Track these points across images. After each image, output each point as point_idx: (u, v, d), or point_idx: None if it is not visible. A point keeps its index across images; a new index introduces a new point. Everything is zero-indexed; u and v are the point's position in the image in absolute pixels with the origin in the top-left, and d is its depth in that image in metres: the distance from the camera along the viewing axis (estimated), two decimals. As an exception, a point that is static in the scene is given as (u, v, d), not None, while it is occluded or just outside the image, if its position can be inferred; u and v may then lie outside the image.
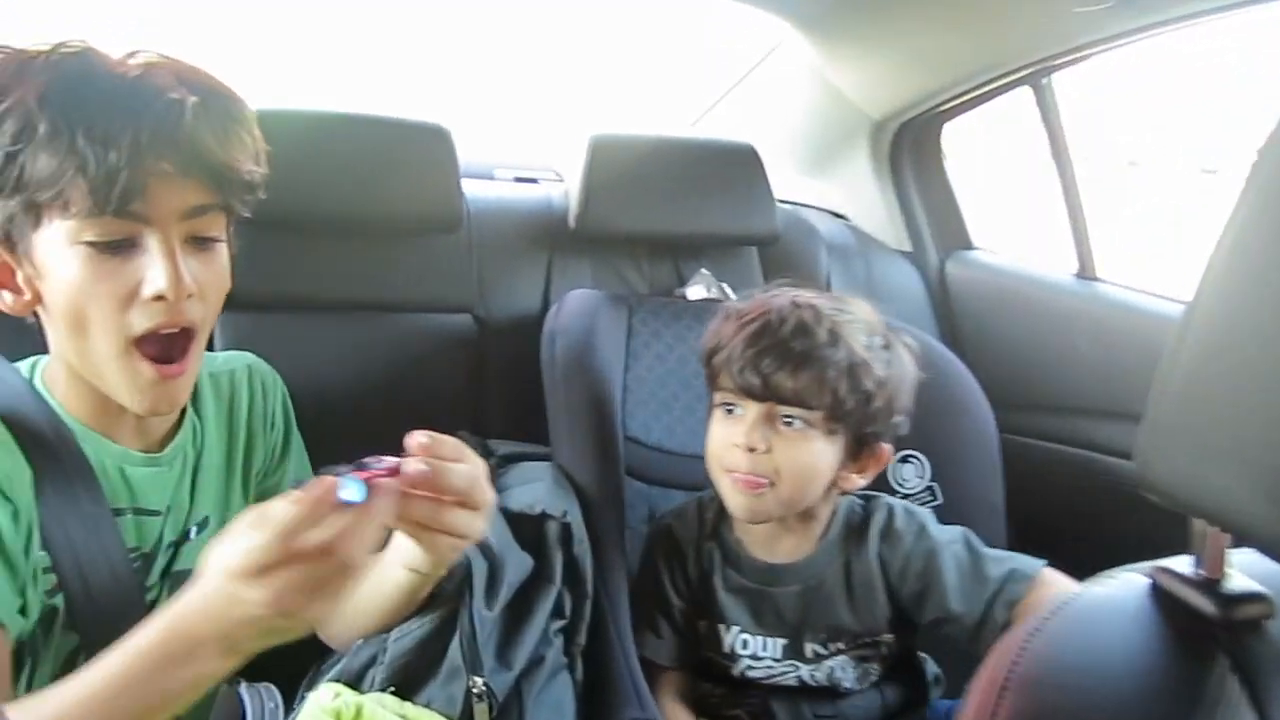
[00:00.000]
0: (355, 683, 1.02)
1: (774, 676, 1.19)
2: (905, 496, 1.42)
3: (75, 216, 0.81)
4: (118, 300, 0.84)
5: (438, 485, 0.77)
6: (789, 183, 1.98)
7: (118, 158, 0.79)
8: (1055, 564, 1.49)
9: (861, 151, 1.89)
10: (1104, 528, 1.48)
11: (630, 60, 2.48)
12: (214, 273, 0.91)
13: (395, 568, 0.93)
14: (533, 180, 1.91)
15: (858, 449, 1.14)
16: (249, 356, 1.15)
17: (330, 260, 1.48)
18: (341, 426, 1.26)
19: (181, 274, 0.85)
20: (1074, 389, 1.56)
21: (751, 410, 1.11)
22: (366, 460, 0.75)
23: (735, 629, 1.19)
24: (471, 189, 1.64)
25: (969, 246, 1.87)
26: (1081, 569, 1.49)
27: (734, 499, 1.14)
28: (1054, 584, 1.11)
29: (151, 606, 0.96)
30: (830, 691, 1.19)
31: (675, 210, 1.64)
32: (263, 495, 1.13)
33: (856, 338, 1.11)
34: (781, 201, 1.74)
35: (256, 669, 0.83)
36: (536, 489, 1.22)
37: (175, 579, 1.01)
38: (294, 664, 1.07)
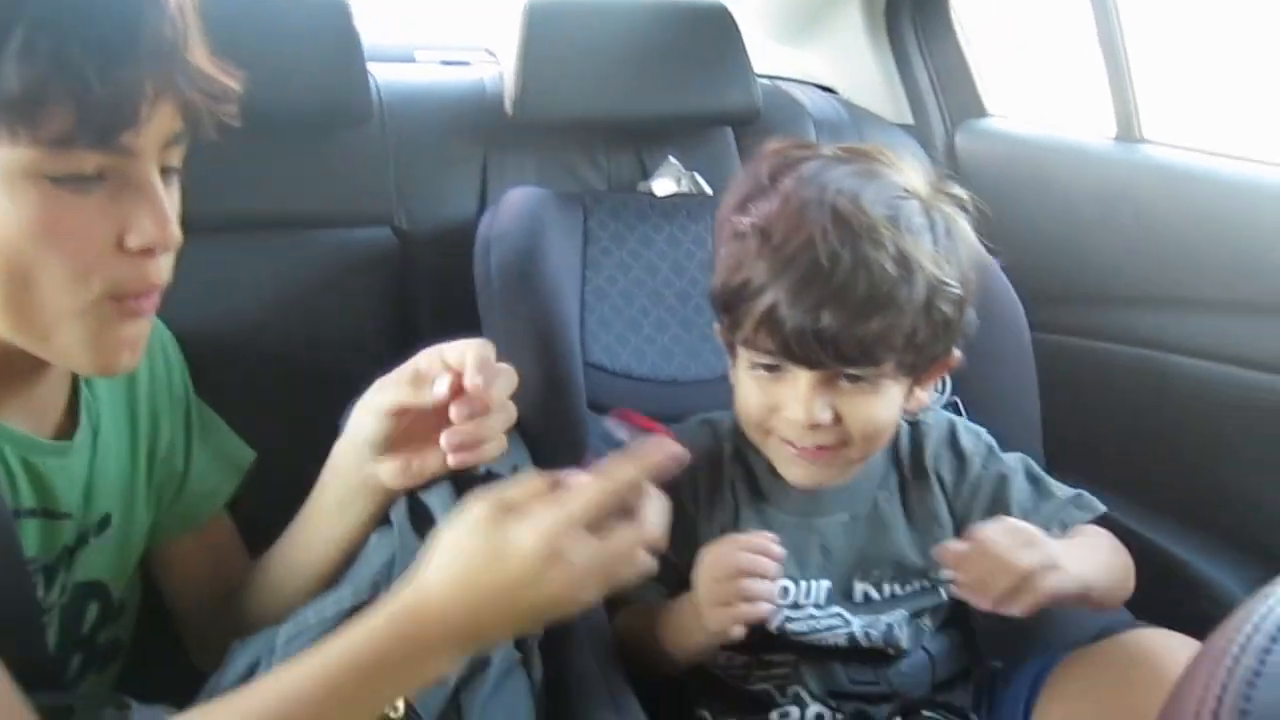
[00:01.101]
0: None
1: (818, 632, 0.96)
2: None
3: (37, 145, 0.63)
4: (90, 250, 0.68)
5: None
6: (765, 55, 1.70)
7: (123, 77, 0.64)
8: (1104, 482, 1.29)
9: (853, 7, 1.61)
10: (1159, 436, 1.26)
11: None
12: (178, 213, 0.74)
13: (348, 485, 0.85)
14: (463, 63, 1.62)
15: (927, 367, 0.92)
16: None
17: (208, 167, 1.20)
18: (239, 374, 1.07)
19: (170, 220, 0.70)
20: (1117, 275, 1.31)
21: (805, 377, 0.87)
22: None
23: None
24: (385, 74, 1.36)
25: (983, 114, 1.60)
26: (1133, 486, 1.31)
27: (791, 469, 0.93)
28: (1087, 532, 0.98)
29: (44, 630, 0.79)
30: (872, 656, 0.98)
31: (634, 87, 1.37)
32: (167, 483, 0.94)
33: (923, 243, 0.84)
34: (758, 76, 1.47)
35: (137, 689, 0.73)
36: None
37: (72, 593, 0.82)
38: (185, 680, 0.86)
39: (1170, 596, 1.18)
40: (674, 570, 0.95)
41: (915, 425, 1.02)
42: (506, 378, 0.80)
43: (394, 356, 1.26)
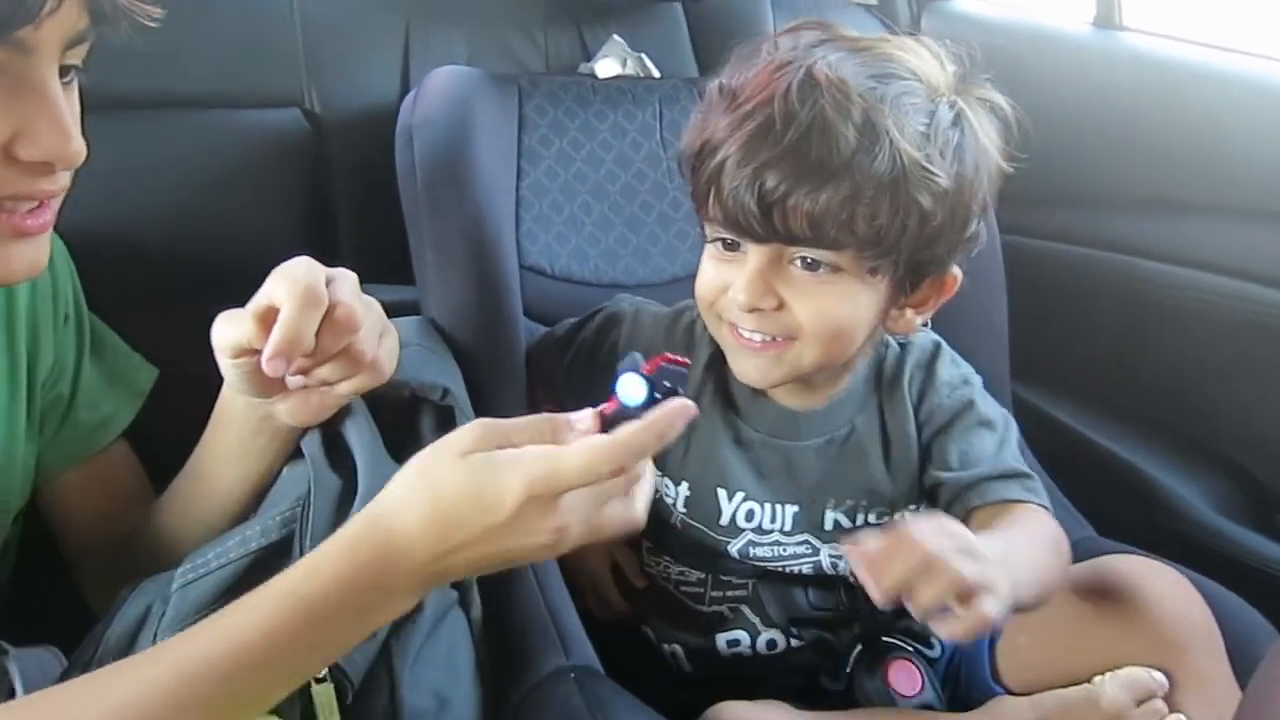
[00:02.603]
0: (125, 655, 0.69)
1: (783, 560, 0.91)
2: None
3: None
4: None
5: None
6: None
7: None
8: (1071, 392, 1.24)
9: None
10: (1130, 346, 1.21)
11: None
12: (77, 118, 0.66)
13: (245, 425, 0.76)
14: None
15: (915, 280, 0.82)
16: None
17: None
18: (132, 280, 0.97)
19: (73, 132, 0.62)
20: (1093, 174, 1.23)
21: (754, 252, 0.79)
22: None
23: (740, 495, 0.90)
24: (289, -71, 1.20)
25: (950, -7, 1.49)
26: (1101, 397, 1.26)
27: (739, 362, 0.85)
28: (1032, 522, 0.83)
29: None
30: (837, 580, 0.93)
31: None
32: (51, 410, 0.84)
33: (908, 123, 0.75)
34: (710, -55, 1.34)
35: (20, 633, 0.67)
36: (403, 358, 0.86)
37: None
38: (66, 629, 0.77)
39: (1135, 512, 1.15)
40: None
41: (903, 346, 0.94)
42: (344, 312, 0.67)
43: (304, 255, 1.15)
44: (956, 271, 0.84)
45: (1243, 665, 0.83)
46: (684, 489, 0.91)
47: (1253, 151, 1.05)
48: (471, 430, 0.61)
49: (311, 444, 0.75)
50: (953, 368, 0.93)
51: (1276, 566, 1.03)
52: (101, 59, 1.02)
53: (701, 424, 0.90)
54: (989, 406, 0.91)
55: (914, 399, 0.90)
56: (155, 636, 0.70)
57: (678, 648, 0.94)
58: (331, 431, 0.76)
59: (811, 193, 0.74)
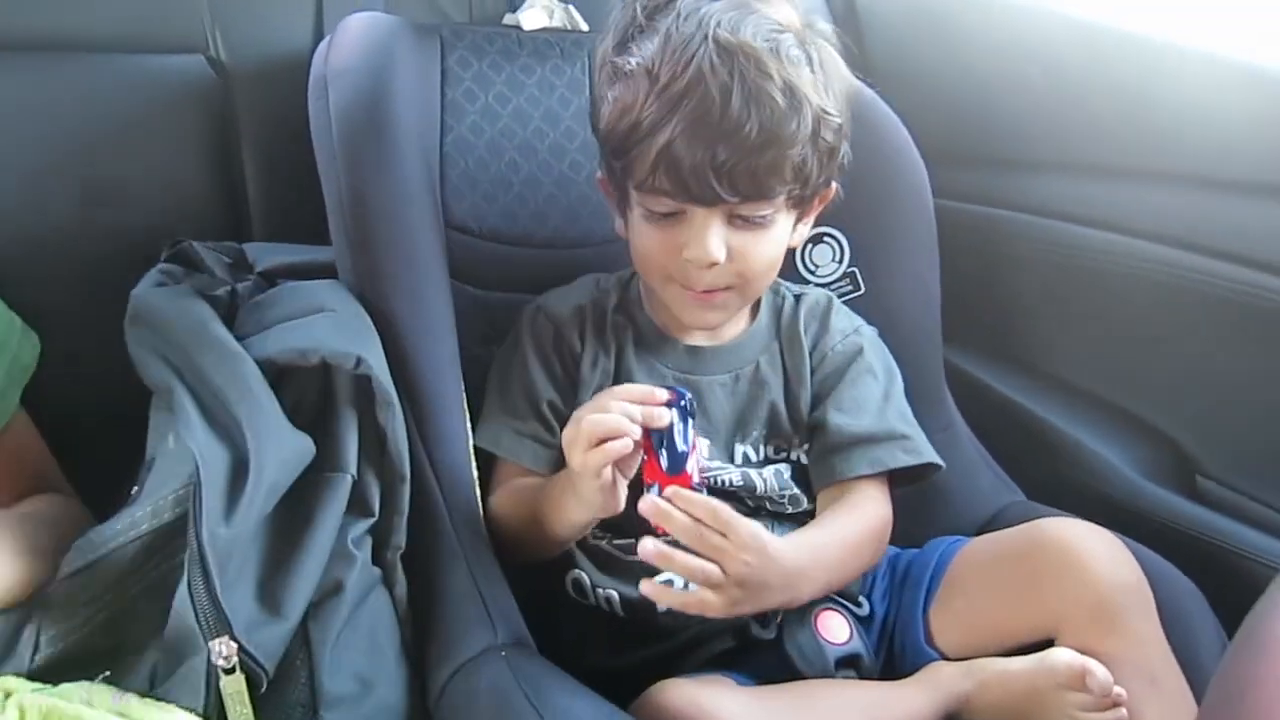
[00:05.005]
0: (5, 652, 0.64)
1: (711, 472, 0.92)
2: (818, 286, 1.11)
3: None
4: None
5: None
6: None
7: None
8: (1000, 355, 1.23)
9: None
10: (1060, 311, 1.21)
11: None
12: None
13: None
14: None
15: (811, 200, 0.94)
16: None
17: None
18: (22, 242, 0.94)
19: None
20: (1023, 138, 1.22)
21: (700, 215, 0.87)
22: None
23: None
24: None
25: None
26: (1030, 361, 1.25)
27: (692, 313, 0.95)
28: (868, 504, 0.93)
29: None
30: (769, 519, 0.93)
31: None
32: None
33: (804, 75, 0.86)
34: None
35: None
36: (314, 324, 0.80)
37: None
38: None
39: (1061, 476, 1.16)
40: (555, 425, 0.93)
41: (799, 297, 1.03)
42: None
43: (211, 215, 1.08)
44: (834, 184, 0.95)
45: (1169, 625, 0.84)
46: None
47: (1181, 118, 1.05)
48: None
49: (190, 422, 0.69)
50: (845, 319, 1.02)
51: (1198, 529, 1.04)
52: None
53: (625, 362, 0.96)
54: (875, 356, 1.00)
55: (810, 344, 1.00)
56: (38, 634, 0.65)
57: (612, 593, 0.92)
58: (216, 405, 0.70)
59: (757, 156, 0.83)
